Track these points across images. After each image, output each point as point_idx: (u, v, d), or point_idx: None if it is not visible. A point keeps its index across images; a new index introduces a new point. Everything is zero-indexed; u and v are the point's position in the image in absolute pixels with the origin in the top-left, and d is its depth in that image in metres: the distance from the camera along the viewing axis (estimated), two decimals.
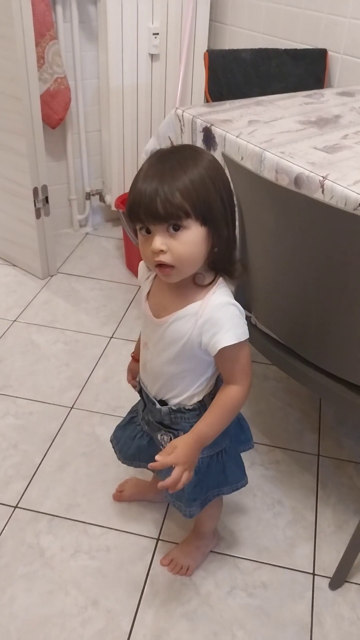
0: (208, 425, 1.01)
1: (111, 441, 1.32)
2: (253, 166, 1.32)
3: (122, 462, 1.29)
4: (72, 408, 1.75)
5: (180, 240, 0.89)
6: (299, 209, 1.05)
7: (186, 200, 0.86)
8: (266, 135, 1.39)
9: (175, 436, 1.07)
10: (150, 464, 0.99)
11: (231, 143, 1.39)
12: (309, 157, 1.27)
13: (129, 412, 1.27)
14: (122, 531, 1.41)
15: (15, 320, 2.11)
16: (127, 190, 2.51)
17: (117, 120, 2.45)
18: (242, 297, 1.40)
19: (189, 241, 0.89)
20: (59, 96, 2.32)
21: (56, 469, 1.56)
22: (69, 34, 2.31)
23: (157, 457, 0.98)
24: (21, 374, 1.87)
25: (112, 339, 2.05)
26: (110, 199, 2.63)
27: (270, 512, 1.48)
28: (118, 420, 1.31)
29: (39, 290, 2.30)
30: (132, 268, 2.41)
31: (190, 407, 1.08)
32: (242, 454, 1.23)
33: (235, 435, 1.20)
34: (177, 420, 1.09)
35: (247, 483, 1.23)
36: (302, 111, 1.57)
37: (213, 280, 0.97)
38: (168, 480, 0.97)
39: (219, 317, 0.94)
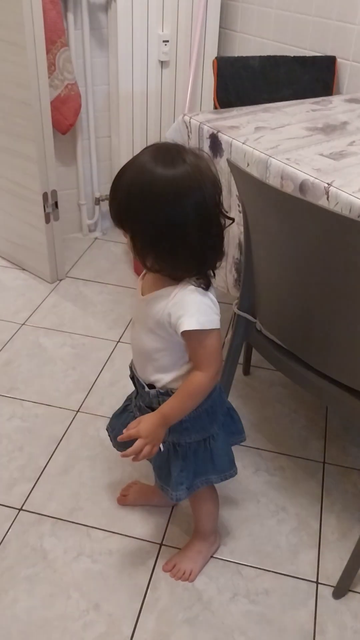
0: (171, 406, 1.07)
1: (107, 430, 1.34)
2: (259, 173, 1.33)
3: (117, 450, 1.29)
4: (77, 411, 1.75)
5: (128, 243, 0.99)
6: (303, 216, 1.05)
7: (116, 213, 0.95)
8: (272, 141, 1.39)
9: None
10: (119, 437, 1.07)
11: (237, 149, 1.39)
12: (314, 163, 1.27)
13: (125, 401, 1.29)
14: (125, 535, 1.41)
15: (23, 324, 2.13)
16: None
17: (127, 126, 2.47)
18: (247, 302, 1.40)
19: (130, 246, 0.98)
20: (69, 102, 2.34)
21: (61, 472, 1.56)
22: (80, 40, 2.33)
23: (124, 430, 1.06)
24: (28, 377, 1.88)
25: (119, 343, 2.06)
26: None
27: (274, 518, 1.48)
28: None
29: (48, 294, 2.31)
30: (140, 273, 2.41)
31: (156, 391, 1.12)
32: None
33: (227, 425, 1.22)
34: None
35: (236, 473, 1.24)
36: (309, 118, 1.58)
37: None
38: (129, 450, 1.05)
39: (186, 301, 0.98)
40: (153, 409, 1.13)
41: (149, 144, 2.77)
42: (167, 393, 1.11)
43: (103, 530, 1.42)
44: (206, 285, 0.99)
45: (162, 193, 0.90)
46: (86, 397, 1.81)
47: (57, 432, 1.68)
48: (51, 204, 2.23)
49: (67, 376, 1.89)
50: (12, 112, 2.10)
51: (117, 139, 2.52)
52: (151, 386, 1.14)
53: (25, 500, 1.48)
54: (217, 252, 0.99)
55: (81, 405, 1.78)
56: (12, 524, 1.42)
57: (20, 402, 1.78)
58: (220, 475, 1.22)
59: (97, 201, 2.71)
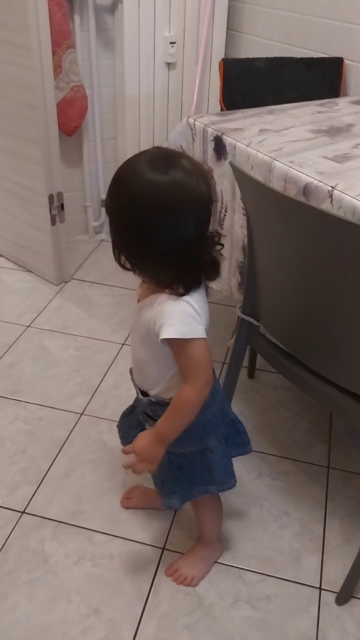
0: (164, 423, 1.06)
1: (117, 427, 1.35)
2: (262, 175, 1.32)
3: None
4: (81, 414, 1.75)
5: None
6: (306, 220, 1.04)
7: (105, 203, 0.98)
8: (276, 144, 1.38)
9: None
10: (122, 449, 1.10)
11: (241, 152, 1.38)
12: (318, 166, 1.26)
13: (134, 401, 1.29)
14: (127, 539, 1.41)
15: (28, 326, 2.13)
16: None
17: (133, 128, 2.47)
18: (250, 306, 1.40)
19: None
20: (75, 104, 2.34)
21: (63, 475, 1.56)
22: (86, 42, 2.33)
23: (127, 446, 1.10)
24: (32, 380, 1.88)
25: (123, 345, 2.05)
26: None
27: (276, 523, 1.47)
28: None
29: (53, 296, 2.31)
30: None
31: (168, 401, 1.10)
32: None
33: (230, 437, 1.21)
34: (157, 412, 1.12)
35: (234, 485, 1.23)
36: (314, 120, 1.56)
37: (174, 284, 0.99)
38: (124, 463, 1.08)
39: (168, 309, 0.97)
40: (149, 415, 1.14)
41: (155, 145, 2.75)
42: (158, 402, 1.11)
43: (105, 534, 1.42)
44: (186, 291, 0.97)
45: (133, 197, 0.91)
46: (90, 400, 1.81)
47: (60, 435, 1.68)
48: (57, 206, 2.23)
49: (71, 379, 1.89)
50: (18, 115, 2.10)
51: (123, 141, 2.52)
52: (145, 394, 1.14)
53: (28, 504, 1.48)
54: (198, 267, 0.98)
55: (85, 408, 1.77)
56: (14, 527, 1.42)
57: (24, 405, 1.78)
58: (219, 486, 1.21)
59: (103, 203, 2.71)
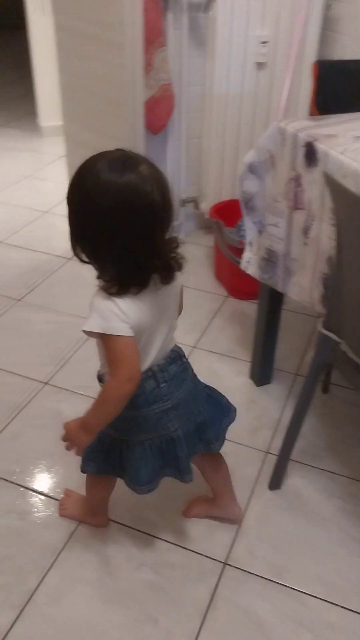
0: (88, 411, 1.09)
1: None
2: (356, 185, 1.26)
3: None
4: None
5: None
6: None
7: (66, 198, 1.01)
8: None
9: None
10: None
11: (334, 160, 1.32)
12: None
13: None
14: (189, 550, 1.38)
15: None
16: (223, 199, 2.49)
17: (219, 128, 2.43)
18: (332, 321, 1.34)
19: None
20: (163, 103, 2.33)
21: None
22: (178, 41, 2.31)
23: None
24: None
25: (194, 348, 2.03)
26: (205, 206, 2.61)
27: (345, 549, 1.40)
28: None
29: None
30: (221, 278, 2.38)
31: (101, 382, 1.17)
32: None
33: (168, 457, 1.22)
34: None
35: (143, 492, 1.22)
36: None
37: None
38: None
39: (94, 303, 1.03)
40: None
41: (240, 147, 2.69)
42: (99, 378, 1.19)
43: (167, 541, 1.40)
44: (119, 292, 1.00)
45: (87, 194, 0.96)
46: None
47: None
48: None
49: None
50: (106, 111, 2.11)
51: (208, 140, 2.49)
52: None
53: None
54: (146, 270, 1.01)
55: None
56: (77, 526, 1.42)
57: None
58: (128, 483, 1.24)
59: (183, 203, 2.69)
